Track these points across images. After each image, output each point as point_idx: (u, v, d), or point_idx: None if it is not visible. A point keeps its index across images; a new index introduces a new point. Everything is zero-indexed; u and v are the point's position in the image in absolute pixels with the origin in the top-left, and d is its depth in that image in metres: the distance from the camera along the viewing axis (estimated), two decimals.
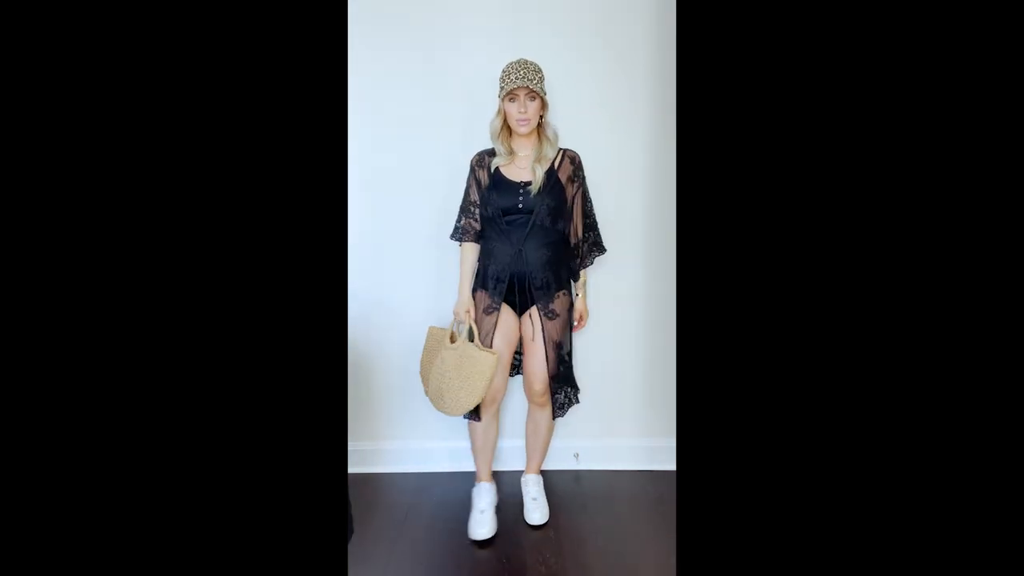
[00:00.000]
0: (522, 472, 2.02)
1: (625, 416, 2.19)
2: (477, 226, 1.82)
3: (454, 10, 1.97)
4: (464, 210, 1.85)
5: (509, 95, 1.68)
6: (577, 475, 2.14)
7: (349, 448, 2.08)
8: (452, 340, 1.77)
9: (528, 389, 1.85)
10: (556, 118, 1.96)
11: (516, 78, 1.65)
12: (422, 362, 1.87)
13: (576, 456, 2.18)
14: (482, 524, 1.77)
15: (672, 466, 2.13)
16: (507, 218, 1.73)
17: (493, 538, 1.75)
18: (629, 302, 2.12)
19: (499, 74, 1.71)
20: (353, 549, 1.68)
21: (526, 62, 1.68)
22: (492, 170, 1.76)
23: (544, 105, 1.71)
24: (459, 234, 1.85)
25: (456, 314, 1.83)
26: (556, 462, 2.16)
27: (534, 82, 1.66)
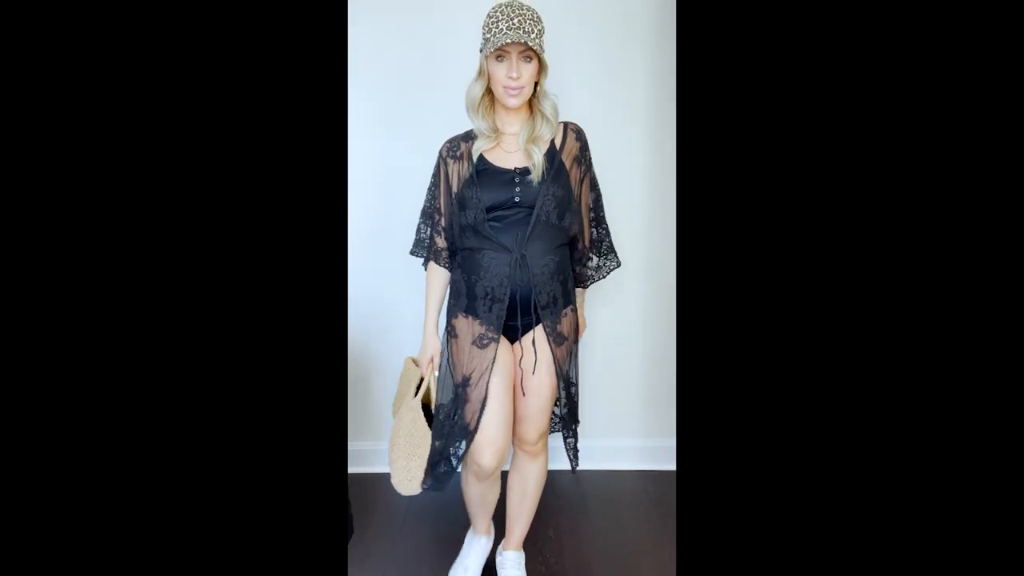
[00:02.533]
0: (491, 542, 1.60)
1: (625, 416, 2.19)
2: (443, 244, 1.40)
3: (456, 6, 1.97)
4: (428, 217, 1.42)
5: (497, 53, 1.21)
6: (577, 475, 2.14)
7: (349, 448, 2.08)
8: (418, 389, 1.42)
9: (519, 437, 1.43)
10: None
11: (507, 28, 1.17)
12: (395, 396, 1.52)
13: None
14: None
15: (672, 466, 2.13)
16: (497, 213, 1.29)
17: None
18: (629, 301, 2.12)
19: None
20: (353, 549, 1.68)
21: (520, 6, 1.20)
22: (475, 159, 1.32)
23: (543, 68, 1.25)
24: (422, 249, 1.43)
25: (419, 363, 1.45)
26: (556, 462, 2.16)
27: (531, 35, 1.18)
